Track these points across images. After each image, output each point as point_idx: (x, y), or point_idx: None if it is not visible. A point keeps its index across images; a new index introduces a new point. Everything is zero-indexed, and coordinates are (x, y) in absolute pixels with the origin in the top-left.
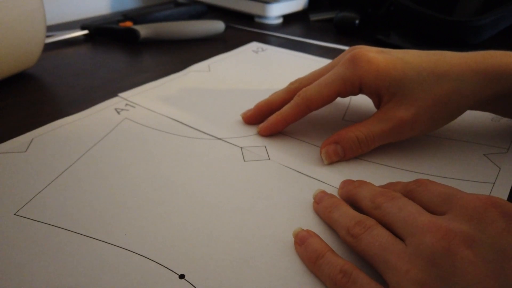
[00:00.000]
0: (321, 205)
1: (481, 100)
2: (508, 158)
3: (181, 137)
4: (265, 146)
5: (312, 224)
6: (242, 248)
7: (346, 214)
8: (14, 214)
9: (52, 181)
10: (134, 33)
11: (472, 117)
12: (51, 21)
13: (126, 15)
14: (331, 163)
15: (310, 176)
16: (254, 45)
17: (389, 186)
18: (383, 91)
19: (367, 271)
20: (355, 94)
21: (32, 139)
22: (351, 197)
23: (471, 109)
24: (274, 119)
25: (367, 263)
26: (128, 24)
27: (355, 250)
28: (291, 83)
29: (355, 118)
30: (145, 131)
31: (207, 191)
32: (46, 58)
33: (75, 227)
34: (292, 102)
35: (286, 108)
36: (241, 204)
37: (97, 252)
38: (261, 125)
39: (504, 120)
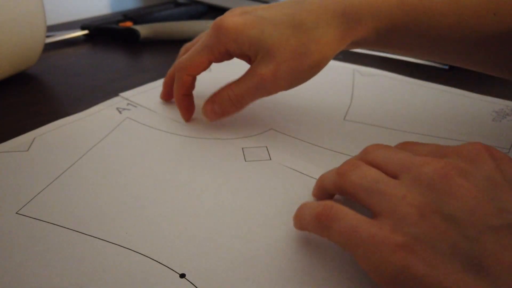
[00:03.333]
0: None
1: (347, 44)
2: None
3: (182, 137)
4: (266, 147)
5: None
6: (242, 247)
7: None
8: (16, 213)
9: (53, 180)
10: (134, 33)
11: (473, 117)
12: (51, 21)
13: (126, 15)
14: (212, 121)
15: (311, 177)
16: None
17: None
18: (247, 52)
19: None
20: (228, 59)
21: (34, 138)
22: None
23: (342, 50)
24: (177, 101)
25: (353, 199)
26: (128, 24)
27: (343, 188)
28: (180, 51)
29: (357, 117)
30: (147, 130)
31: (208, 191)
32: (46, 58)
33: (77, 226)
34: (175, 77)
35: (175, 85)
36: (242, 204)
37: (98, 251)
38: (181, 116)
39: (505, 120)
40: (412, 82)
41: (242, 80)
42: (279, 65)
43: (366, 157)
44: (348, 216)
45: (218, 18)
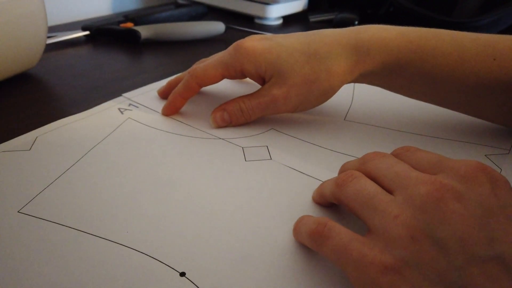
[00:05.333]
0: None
1: (355, 76)
2: (510, 159)
3: (183, 137)
4: (266, 146)
5: None
6: (242, 247)
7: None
8: (18, 212)
9: (55, 179)
10: (135, 34)
11: (473, 118)
12: (53, 22)
13: (127, 16)
14: (218, 127)
15: (311, 176)
16: None
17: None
18: (262, 73)
19: None
20: (240, 78)
21: (36, 137)
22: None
23: (349, 83)
24: (172, 97)
25: (349, 211)
26: (129, 25)
27: (340, 199)
28: (194, 64)
29: (357, 118)
30: (148, 131)
31: (208, 190)
32: (47, 59)
33: (78, 224)
34: (183, 79)
35: (179, 85)
36: (242, 204)
37: (99, 250)
38: (163, 106)
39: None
40: None
41: (255, 96)
42: (290, 89)
43: (365, 167)
44: (340, 234)
45: (239, 40)
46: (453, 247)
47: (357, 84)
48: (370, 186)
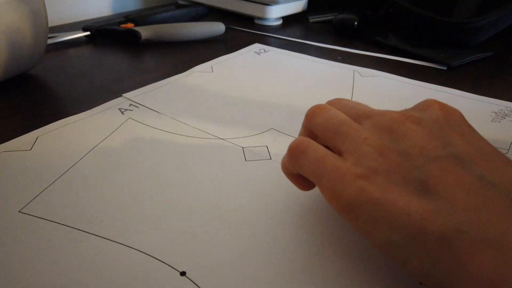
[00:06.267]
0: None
1: None
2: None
3: (184, 137)
4: (266, 146)
5: (313, 222)
6: (242, 246)
7: None
8: (19, 211)
9: (56, 179)
10: (136, 34)
11: (472, 117)
12: (53, 23)
13: (128, 17)
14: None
15: None
16: (256, 46)
17: None
18: None
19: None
20: None
21: (37, 137)
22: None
23: None
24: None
25: (320, 139)
26: (130, 25)
27: (311, 130)
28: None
29: None
30: (149, 131)
31: (208, 190)
32: (48, 59)
33: (79, 224)
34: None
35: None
36: (242, 203)
37: (100, 249)
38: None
39: (504, 121)
40: (411, 82)
41: None
42: None
43: (333, 106)
44: (317, 149)
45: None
46: (415, 154)
47: (356, 84)
48: (339, 115)
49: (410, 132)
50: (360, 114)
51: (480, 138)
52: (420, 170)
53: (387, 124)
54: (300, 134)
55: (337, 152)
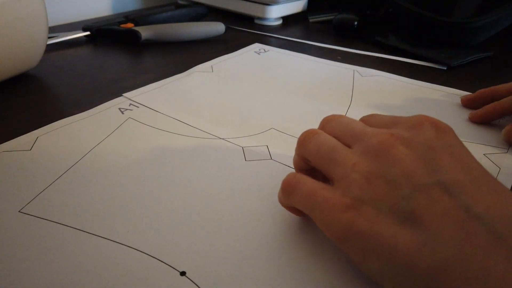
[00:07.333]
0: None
1: None
2: (508, 158)
3: (184, 137)
4: (267, 146)
5: (313, 222)
6: (242, 246)
7: None
8: (19, 211)
9: (56, 179)
10: (136, 34)
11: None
12: (53, 23)
13: (128, 17)
14: None
15: None
16: (256, 46)
17: None
18: None
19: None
20: None
21: (37, 137)
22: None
23: None
24: (491, 108)
25: (312, 164)
26: (130, 25)
27: (302, 153)
28: None
29: (357, 117)
30: (149, 130)
31: (208, 190)
32: (48, 59)
33: (78, 224)
34: None
35: (508, 99)
36: (242, 203)
37: (100, 249)
38: (475, 111)
39: (504, 120)
40: (411, 82)
41: None
42: None
43: (324, 128)
44: (307, 183)
45: None
46: (401, 182)
47: (356, 84)
48: (330, 140)
49: (399, 157)
50: (352, 135)
51: (471, 158)
52: (408, 201)
53: (377, 147)
54: (294, 161)
55: (330, 178)
